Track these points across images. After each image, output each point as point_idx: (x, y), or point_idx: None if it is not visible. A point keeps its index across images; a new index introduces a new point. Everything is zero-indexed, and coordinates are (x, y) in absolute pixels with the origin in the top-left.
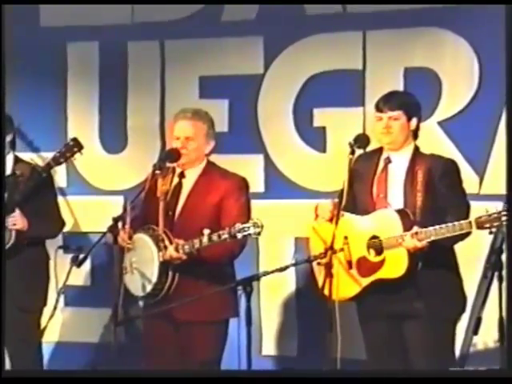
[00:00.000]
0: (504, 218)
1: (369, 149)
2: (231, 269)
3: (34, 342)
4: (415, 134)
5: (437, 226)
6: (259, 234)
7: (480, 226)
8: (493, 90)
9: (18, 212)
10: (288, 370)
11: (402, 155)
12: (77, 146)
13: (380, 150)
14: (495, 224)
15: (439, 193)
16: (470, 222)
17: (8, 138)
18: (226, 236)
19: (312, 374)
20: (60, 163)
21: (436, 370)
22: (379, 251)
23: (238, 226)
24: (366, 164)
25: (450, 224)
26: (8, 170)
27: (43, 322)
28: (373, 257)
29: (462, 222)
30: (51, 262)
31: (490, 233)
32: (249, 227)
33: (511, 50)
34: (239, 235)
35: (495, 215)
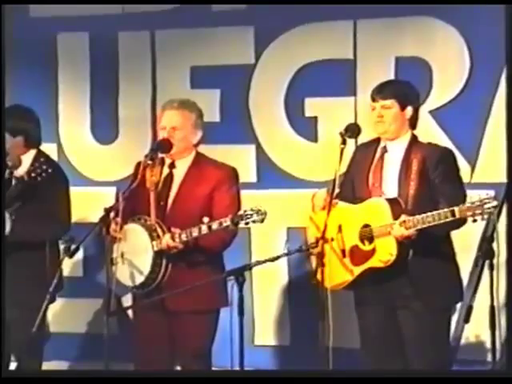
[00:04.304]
0: (486, 206)
1: (368, 138)
2: (223, 258)
3: (38, 337)
4: (412, 123)
5: (423, 215)
6: (263, 220)
7: (463, 215)
8: (484, 79)
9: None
10: (283, 370)
11: (399, 144)
12: (46, 163)
13: (378, 140)
14: (477, 212)
15: (433, 181)
16: (453, 211)
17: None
18: (229, 223)
19: (305, 374)
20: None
21: (435, 371)
22: (370, 240)
23: (241, 213)
24: (364, 153)
25: (435, 212)
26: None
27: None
28: (364, 245)
29: (445, 210)
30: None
31: (474, 221)
32: (252, 214)
33: (511, 50)
34: (242, 223)
35: (477, 203)
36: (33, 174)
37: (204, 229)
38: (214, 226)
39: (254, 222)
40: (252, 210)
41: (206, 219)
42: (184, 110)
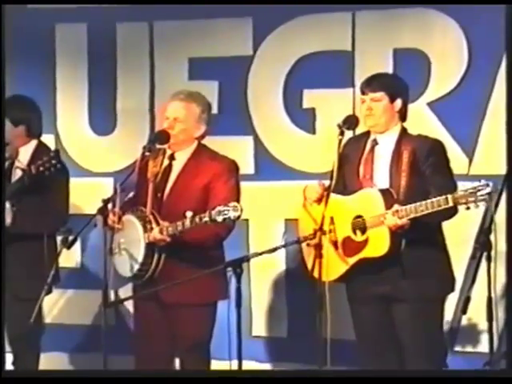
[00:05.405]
0: (480, 193)
1: (358, 131)
2: (220, 251)
3: (36, 329)
4: (402, 116)
5: (416, 203)
6: (238, 217)
7: (456, 202)
8: (482, 71)
9: (6, 207)
10: (281, 370)
11: (389, 137)
12: (56, 158)
13: (368, 133)
14: (470, 200)
15: (424, 173)
16: (446, 198)
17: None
18: (207, 219)
19: (303, 373)
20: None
21: (434, 371)
22: (363, 230)
23: (218, 209)
24: (354, 146)
25: (428, 201)
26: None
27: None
28: (357, 236)
29: (439, 198)
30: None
31: (467, 208)
32: (228, 210)
33: (510, 43)
34: (219, 218)
35: (471, 191)
36: (41, 168)
37: (187, 223)
38: (196, 220)
39: (229, 218)
40: (228, 205)
41: (189, 213)
42: (190, 103)
